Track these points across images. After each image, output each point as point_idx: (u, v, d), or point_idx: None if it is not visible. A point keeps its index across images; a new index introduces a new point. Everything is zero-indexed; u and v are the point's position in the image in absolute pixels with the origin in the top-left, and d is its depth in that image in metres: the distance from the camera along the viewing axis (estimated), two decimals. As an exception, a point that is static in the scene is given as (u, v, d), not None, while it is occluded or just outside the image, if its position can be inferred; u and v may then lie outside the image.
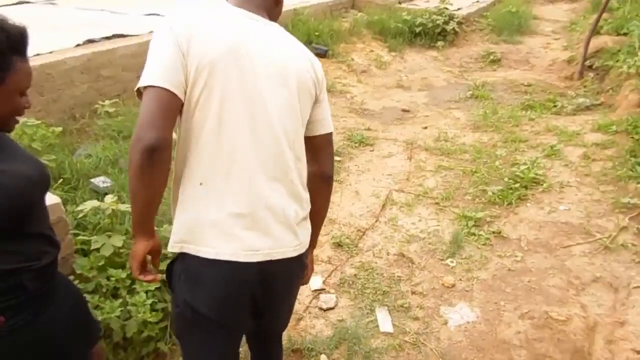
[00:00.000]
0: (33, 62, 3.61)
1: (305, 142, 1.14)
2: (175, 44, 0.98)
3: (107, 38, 4.14)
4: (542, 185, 3.01)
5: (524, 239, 2.63)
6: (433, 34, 6.48)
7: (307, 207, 1.15)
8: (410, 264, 2.49)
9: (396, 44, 6.35)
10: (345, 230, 2.75)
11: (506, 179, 3.07)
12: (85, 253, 2.19)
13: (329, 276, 2.41)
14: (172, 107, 0.97)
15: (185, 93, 0.99)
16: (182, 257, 1.07)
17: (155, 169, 0.94)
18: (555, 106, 4.51)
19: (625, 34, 5.51)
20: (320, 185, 1.19)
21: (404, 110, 4.63)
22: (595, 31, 5.48)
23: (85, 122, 3.65)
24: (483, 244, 2.60)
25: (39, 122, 2.87)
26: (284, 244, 1.07)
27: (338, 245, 2.62)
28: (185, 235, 1.05)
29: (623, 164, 3.22)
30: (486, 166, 3.30)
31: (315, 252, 2.46)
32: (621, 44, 5.37)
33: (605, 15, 5.95)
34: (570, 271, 2.40)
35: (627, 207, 2.81)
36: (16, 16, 1.04)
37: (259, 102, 1.02)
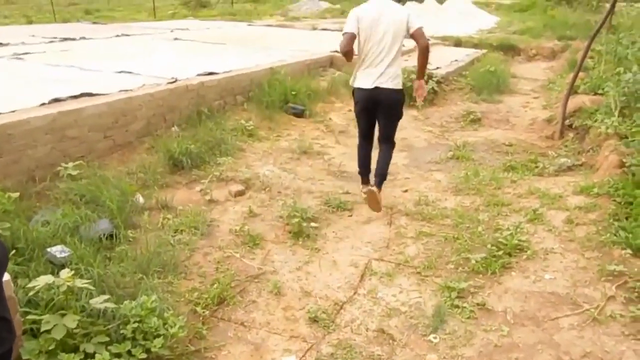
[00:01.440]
0: (-7, 122, 3.65)
1: (411, 36, 3.54)
2: (355, 17, 3.52)
3: (75, 97, 4.26)
4: (526, 252, 3.10)
5: (509, 311, 2.67)
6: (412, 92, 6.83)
7: (400, 77, 3.68)
8: (390, 341, 2.49)
9: (375, 102, 6.66)
10: (321, 303, 2.75)
11: (489, 246, 3.16)
12: (34, 334, 2.13)
13: (303, 355, 2.38)
14: (353, 38, 3.49)
15: (357, 33, 3.52)
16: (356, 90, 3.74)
17: (347, 57, 3.51)
18: (537, 167, 4.73)
19: (601, 94, 5.94)
20: (420, 52, 3.57)
21: (384, 172, 4.78)
22: (572, 90, 5.90)
23: (46, 185, 3.66)
24: (467, 317, 2.62)
25: (-5, 188, 2.87)
26: (386, 84, 3.61)
27: (314, 320, 2.61)
28: (355, 81, 3.74)
29: (607, 228, 3.36)
30: (469, 232, 3.40)
31: (290, 327, 2.49)
32: (598, 104, 5.77)
33: (581, 74, 6.43)
34: (559, 346, 2.43)
35: (613, 274, 2.91)
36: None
37: (383, 34, 3.53)
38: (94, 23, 13.00)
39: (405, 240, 3.40)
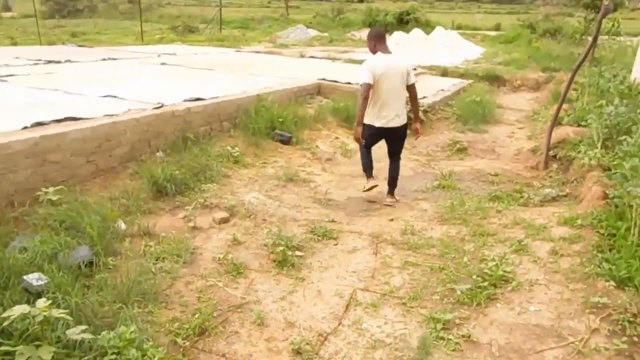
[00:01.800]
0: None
1: (408, 87, 4.67)
2: (370, 69, 4.50)
3: (58, 121, 4.27)
4: (511, 283, 3.15)
5: (495, 343, 2.70)
6: None
7: (405, 112, 4.74)
8: (375, 374, 2.48)
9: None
10: (305, 334, 2.75)
11: (475, 277, 3.20)
12: (6, 367, 2.09)
13: (286, 390, 2.36)
14: (369, 87, 4.50)
15: (373, 82, 4.51)
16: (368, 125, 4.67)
17: (364, 102, 4.51)
18: (522, 197, 4.83)
19: (585, 126, 6.14)
20: (412, 100, 4.82)
21: (370, 201, 4.85)
22: (556, 122, 6.09)
23: (25, 210, 3.63)
24: (453, 350, 2.64)
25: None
26: (396, 122, 4.66)
27: (297, 352, 2.60)
28: (369, 119, 4.64)
29: (591, 260, 3.43)
30: (454, 262, 3.45)
31: (273, 359, 2.49)
32: (582, 135, 5.96)
33: (565, 105, 6.66)
34: (544, 380, 2.45)
35: (597, 306, 2.96)
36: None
37: (392, 83, 4.55)
38: (80, 46, 13.11)
39: (390, 270, 3.43)
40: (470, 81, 10.67)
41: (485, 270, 3.21)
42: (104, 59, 9.62)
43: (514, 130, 7.72)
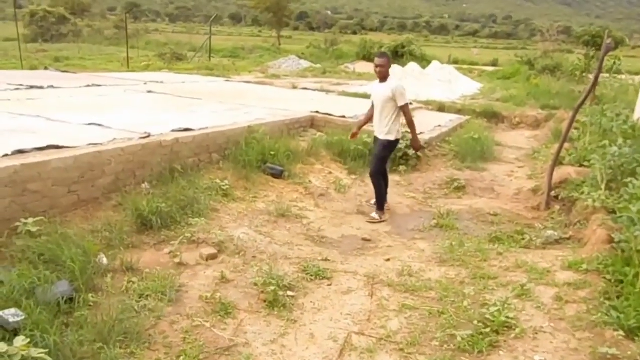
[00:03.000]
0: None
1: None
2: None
3: (40, 149, 4.32)
4: (514, 330, 3.18)
5: (498, 393, 2.71)
6: (395, 157, 7.13)
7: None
8: None
9: (357, 166, 6.92)
10: (297, 381, 2.74)
11: (476, 322, 3.23)
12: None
13: None
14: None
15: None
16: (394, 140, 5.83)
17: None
18: (523, 239, 4.91)
19: (587, 166, 6.31)
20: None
21: (365, 240, 4.90)
22: (557, 161, 6.26)
23: (3, 241, 3.62)
24: (454, 400, 2.64)
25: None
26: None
27: (289, 400, 2.59)
28: (396, 135, 5.72)
29: (598, 307, 3.47)
30: (454, 306, 3.48)
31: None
32: (584, 176, 6.12)
33: (566, 145, 6.86)
34: None
35: (605, 358, 2.97)
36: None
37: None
38: (63, 71, 13.28)
39: (387, 314, 3.44)
40: (467, 117, 10.94)
41: (487, 316, 3.24)
42: (88, 85, 9.76)
43: (513, 169, 7.90)
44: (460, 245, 4.60)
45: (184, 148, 5.55)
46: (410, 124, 5.63)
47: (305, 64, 22.59)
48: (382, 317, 3.40)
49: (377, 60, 5.52)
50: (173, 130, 5.73)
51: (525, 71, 19.74)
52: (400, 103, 5.42)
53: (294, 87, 13.58)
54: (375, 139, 5.73)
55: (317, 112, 8.60)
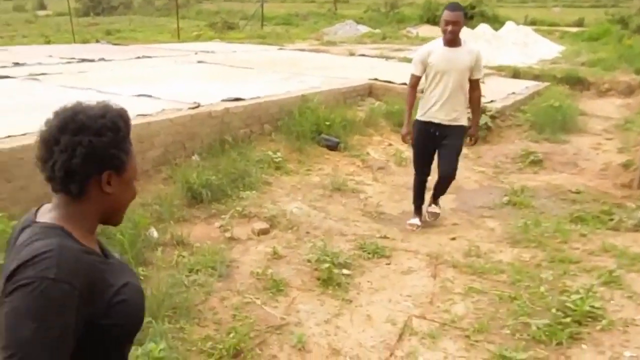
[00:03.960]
0: (3, 145, 3.89)
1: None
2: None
3: (90, 120, 4.46)
4: (600, 321, 2.97)
5: (579, 389, 2.55)
6: None
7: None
8: (433, 416, 2.40)
9: (420, 138, 6.71)
10: (352, 365, 2.71)
11: (554, 310, 3.05)
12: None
13: None
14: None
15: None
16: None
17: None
18: (611, 220, 4.59)
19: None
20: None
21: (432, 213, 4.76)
22: (655, 132, 5.79)
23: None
24: (527, 394, 2.52)
25: (0, 214, 3.01)
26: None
27: (343, 384, 2.56)
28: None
29: (700, 297, 3.21)
30: (528, 292, 3.31)
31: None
32: (688, 149, 5.63)
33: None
34: None
35: None
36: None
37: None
38: (115, 44, 13.77)
39: (452, 297, 3.33)
40: (546, 84, 10.35)
41: (568, 304, 3.05)
42: (139, 57, 10.06)
43: (600, 141, 7.38)
44: (536, 225, 4.37)
45: (235, 118, 5.59)
46: (479, 103, 4.62)
47: (363, 29, 22.14)
48: (446, 301, 3.29)
49: (449, 14, 4.11)
50: (223, 100, 5.78)
51: (616, 31, 18.33)
52: (478, 75, 4.36)
53: (351, 54, 13.36)
54: (438, 127, 4.33)
55: (375, 79, 8.42)
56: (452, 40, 4.19)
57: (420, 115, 4.43)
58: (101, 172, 1.16)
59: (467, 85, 4.30)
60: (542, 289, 3.32)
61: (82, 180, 1.14)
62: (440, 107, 4.28)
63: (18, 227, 1.21)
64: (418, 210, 4.68)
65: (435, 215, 4.71)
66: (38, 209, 1.21)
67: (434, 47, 4.30)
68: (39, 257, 1.04)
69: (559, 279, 3.47)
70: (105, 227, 3.50)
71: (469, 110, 4.57)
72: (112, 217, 1.26)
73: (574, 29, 23.68)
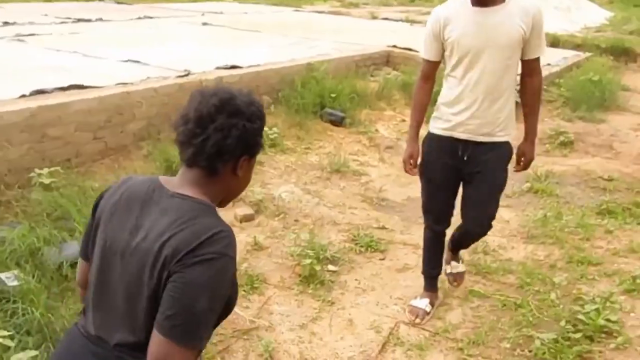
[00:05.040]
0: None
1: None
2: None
3: (62, 89, 4.30)
4: (615, 338, 2.71)
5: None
6: None
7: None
8: None
9: (437, 113, 6.39)
10: (324, 379, 2.52)
11: (564, 323, 2.80)
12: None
13: None
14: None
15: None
16: None
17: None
18: (645, 214, 4.30)
19: None
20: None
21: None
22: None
23: (18, 193, 3.68)
24: (521, 422, 2.30)
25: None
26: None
27: (311, 402, 2.39)
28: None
29: None
30: (537, 299, 3.07)
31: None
32: None
33: None
34: None
35: None
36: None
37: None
38: (118, 2, 13.55)
39: (448, 301, 3.12)
40: (588, 54, 9.84)
41: (580, 316, 2.80)
42: (140, 18, 9.82)
43: (642, 121, 6.96)
44: (557, 218, 4.09)
45: (229, 89, 5.36)
46: (539, 98, 2.78)
47: (391, -10, 21.45)
48: (441, 306, 3.07)
49: None
50: (217, 68, 5.54)
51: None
52: (538, 51, 2.64)
53: (374, 17, 12.91)
54: (466, 146, 2.69)
55: (394, 46, 8.05)
56: None
57: (437, 126, 2.77)
58: (242, 156, 1.31)
59: (516, 71, 2.67)
60: (552, 295, 3.08)
61: (228, 159, 1.29)
62: (469, 112, 2.62)
63: (142, 188, 1.31)
64: (430, 286, 3.06)
65: (461, 277, 3.17)
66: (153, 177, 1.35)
67: (453, 9, 2.61)
68: (218, 235, 1.21)
69: (575, 283, 3.22)
70: (66, 211, 3.38)
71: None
72: (228, 199, 1.40)
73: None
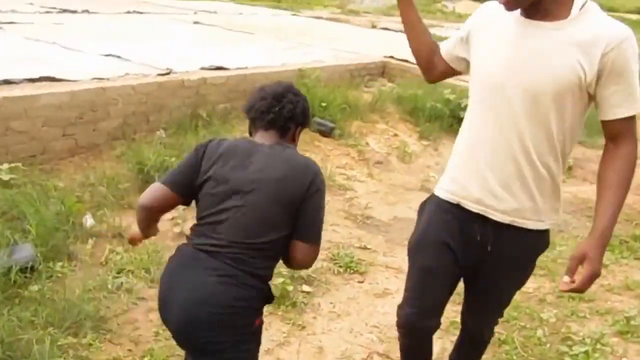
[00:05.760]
0: None
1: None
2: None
3: (32, 80, 4.18)
4: (603, 383, 2.62)
5: None
6: (448, 114, 6.44)
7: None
8: None
9: (431, 129, 6.35)
10: (286, 412, 2.39)
11: (549, 363, 2.70)
12: None
13: None
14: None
15: None
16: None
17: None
18: (643, 248, 4.23)
19: None
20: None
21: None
22: None
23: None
24: None
25: None
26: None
27: None
28: None
29: None
30: (522, 335, 2.97)
31: None
32: None
33: None
34: None
35: None
36: None
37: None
38: (110, -5, 13.46)
39: (428, 332, 2.99)
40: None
41: (567, 359, 2.70)
42: (129, 12, 9.74)
43: (645, 148, 6.92)
44: (549, 247, 3.98)
45: (213, 91, 5.26)
46: (627, 179, 1.83)
47: None
48: (419, 337, 2.95)
49: None
50: (202, 68, 5.44)
51: (681, 21, 17.54)
52: (622, 109, 1.71)
53: (373, 26, 12.91)
54: (484, 225, 1.93)
55: (391, 57, 8.00)
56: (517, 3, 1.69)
57: (444, 186, 2.02)
58: (298, 126, 1.90)
59: (574, 125, 1.83)
60: (539, 332, 2.98)
61: (295, 124, 1.88)
62: (493, 174, 1.86)
63: (240, 143, 1.82)
64: None
65: None
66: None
67: (495, 11, 1.78)
68: (320, 174, 1.80)
69: (564, 320, 3.12)
70: (22, 210, 3.25)
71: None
72: None
73: (634, 16, 22.77)
